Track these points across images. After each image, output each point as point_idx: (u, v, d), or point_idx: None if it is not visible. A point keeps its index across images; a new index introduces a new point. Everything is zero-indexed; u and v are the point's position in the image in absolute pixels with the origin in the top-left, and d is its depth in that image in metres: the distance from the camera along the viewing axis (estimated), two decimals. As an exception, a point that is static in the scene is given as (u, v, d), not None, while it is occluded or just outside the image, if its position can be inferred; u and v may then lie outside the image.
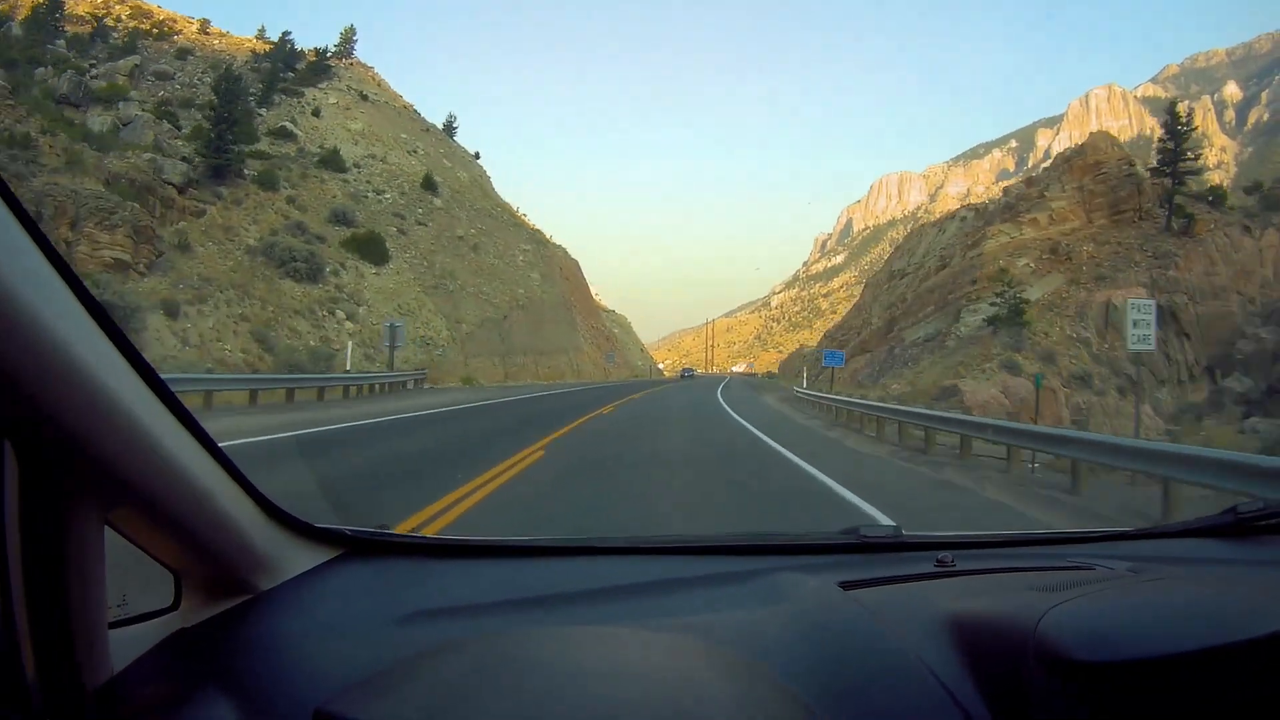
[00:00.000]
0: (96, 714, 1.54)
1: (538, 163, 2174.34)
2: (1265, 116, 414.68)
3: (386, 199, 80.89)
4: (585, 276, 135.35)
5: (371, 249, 69.03)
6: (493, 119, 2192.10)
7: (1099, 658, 1.54)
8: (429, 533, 6.91)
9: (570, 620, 2.13)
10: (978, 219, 76.43)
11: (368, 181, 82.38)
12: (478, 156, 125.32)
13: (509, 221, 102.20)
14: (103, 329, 1.38)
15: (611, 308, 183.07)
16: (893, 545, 2.92)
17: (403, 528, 7.58)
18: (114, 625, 1.77)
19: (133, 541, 1.77)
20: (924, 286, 68.76)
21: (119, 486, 1.55)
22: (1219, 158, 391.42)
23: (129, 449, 1.50)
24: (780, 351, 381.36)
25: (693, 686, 1.62)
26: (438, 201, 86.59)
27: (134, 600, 1.91)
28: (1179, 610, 1.71)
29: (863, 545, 2.86)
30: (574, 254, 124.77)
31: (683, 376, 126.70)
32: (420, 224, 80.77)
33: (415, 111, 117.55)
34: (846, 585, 2.28)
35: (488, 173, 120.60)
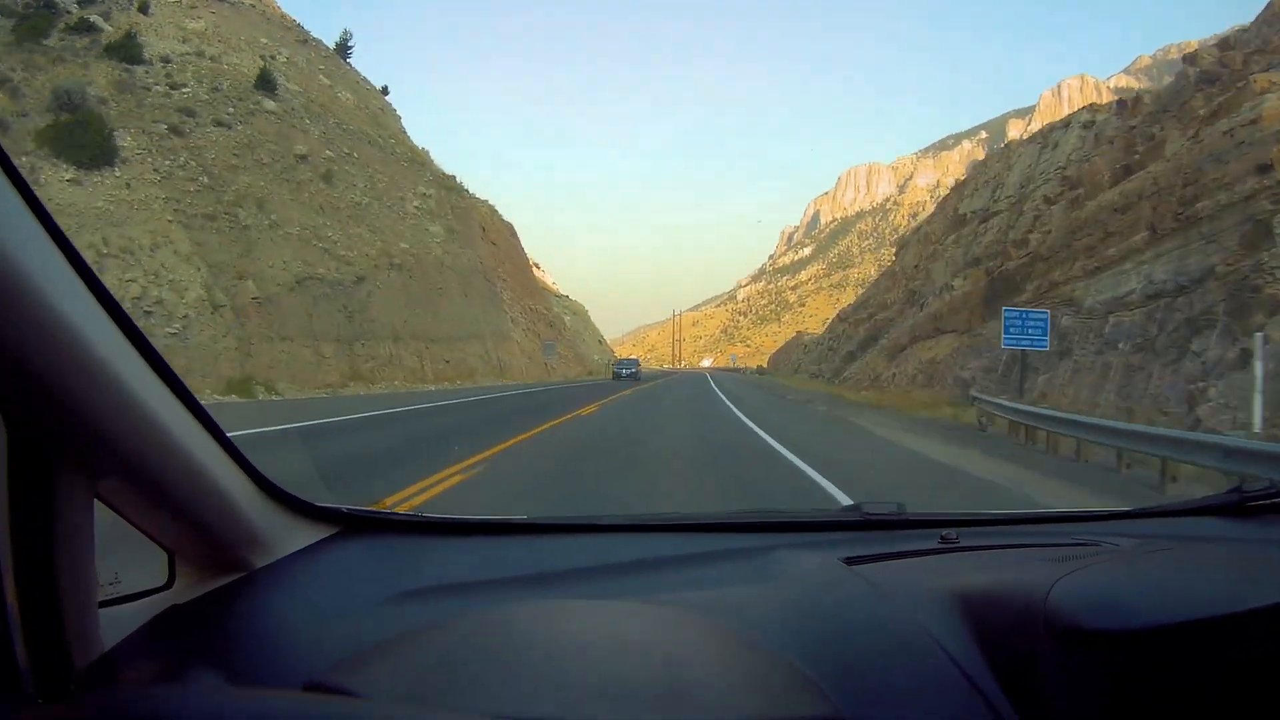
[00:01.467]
0: (86, 692, 1.48)
1: (496, 152, 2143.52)
2: None
3: (182, 94, 47.80)
4: (527, 249, 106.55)
5: (82, 144, 37.34)
6: (449, 111, 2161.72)
7: (1111, 626, 1.50)
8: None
9: (565, 596, 2.08)
10: (1130, 115, 44.16)
11: (167, 76, 49.02)
12: (385, 92, 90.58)
13: (406, 158, 69.15)
14: (89, 287, 1.30)
15: (566, 293, 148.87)
16: (897, 523, 2.84)
17: None
18: (106, 604, 1.72)
19: (125, 517, 1.72)
20: (1082, 214, 36.64)
21: (109, 455, 1.48)
22: None
23: (119, 415, 1.43)
24: (747, 345, 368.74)
25: (689, 660, 1.59)
26: (271, 105, 53.06)
27: (127, 579, 1.85)
28: (1189, 580, 1.69)
29: (866, 523, 2.82)
30: (523, 225, 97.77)
31: (619, 376, 72.11)
32: (221, 125, 47.91)
33: (295, 23, 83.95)
34: (850, 561, 2.24)
35: (397, 114, 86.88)
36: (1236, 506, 2.88)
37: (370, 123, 69.39)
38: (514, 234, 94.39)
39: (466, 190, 79.03)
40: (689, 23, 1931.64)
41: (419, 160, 72.98)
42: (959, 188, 67.29)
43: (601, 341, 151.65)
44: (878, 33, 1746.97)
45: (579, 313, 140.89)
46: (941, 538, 2.52)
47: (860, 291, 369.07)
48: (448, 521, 2.62)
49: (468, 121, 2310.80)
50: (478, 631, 1.65)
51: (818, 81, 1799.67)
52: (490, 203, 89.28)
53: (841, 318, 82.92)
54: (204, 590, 1.90)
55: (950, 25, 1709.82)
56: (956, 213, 59.99)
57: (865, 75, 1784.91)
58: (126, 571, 1.81)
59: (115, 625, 1.67)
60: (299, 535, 2.20)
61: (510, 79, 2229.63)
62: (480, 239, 75.17)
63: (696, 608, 1.86)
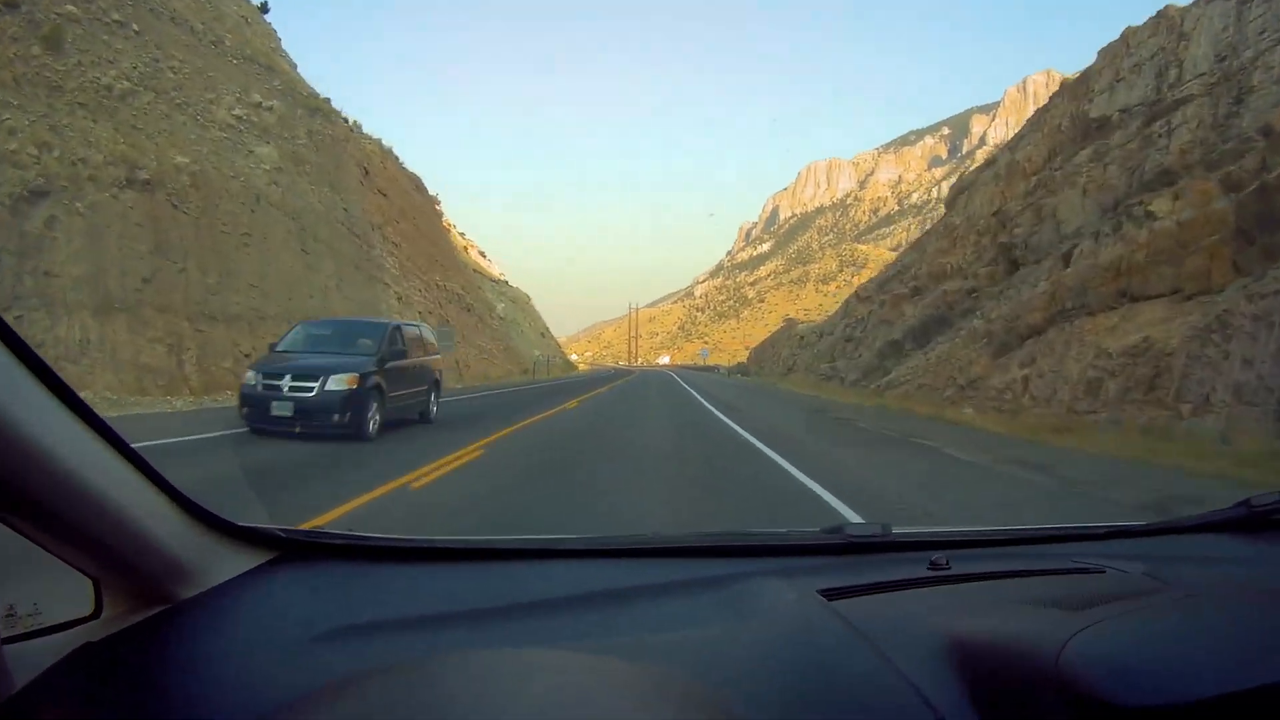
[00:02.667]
0: None
1: (448, 140, 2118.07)
2: None
3: None
4: (471, 235, 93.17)
5: None
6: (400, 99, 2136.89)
7: (1140, 701, 1.37)
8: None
9: (514, 637, 1.92)
10: None
11: None
12: (265, 10, 65.73)
13: (236, 55, 45.09)
14: None
15: (504, 277, 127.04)
16: (882, 545, 2.68)
17: None
18: (22, 637, 1.68)
19: (36, 543, 1.58)
20: None
21: None
22: None
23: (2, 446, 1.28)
24: (705, 341, 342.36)
25: None
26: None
27: (53, 608, 1.79)
28: (1224, 637, 1.57)
29: (849, 545, 2.63)
30: (467, 210, 75.81)
31: (262, 403, 16.76)
32: None
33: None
34: (830, 594, 2.09)
35: (276, 36, 62.57)
36: (1246, 520, 2.74)
37: (196, 11, 45.49)
38: (421, 189, 71.03)
39: (342, 118, 55.27)
40: (643, 16, 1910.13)
41: (263, 63, 48.97)
42: (1072, 88, 44.02)
43: (545, 335, 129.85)
44: (838, 29, 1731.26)
45: (518, 301, 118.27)
46: (931, 563, 2.34)
47: (822, 286, 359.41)
48: (391, 545, 2.36)
49: (400, 94, 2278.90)
50: (408, 688, 1.50)
51: (777, 77, 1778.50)
52: (386, 145, 65.00)
53: (862, 295, 59.64)
54: (129, 623, 1.76)
55: (913, 21, 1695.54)
56: (1085, 119, 36.98)
57: (826, 72, 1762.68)
58: (51, 600, 1.75)
59: (32, 660, 1.57)
60: (230, 562, 2.01)
61: (466, 63, 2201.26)
62: (360, 185, 52.12)
63: (656, 653, 1.74)
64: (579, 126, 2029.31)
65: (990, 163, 50.75)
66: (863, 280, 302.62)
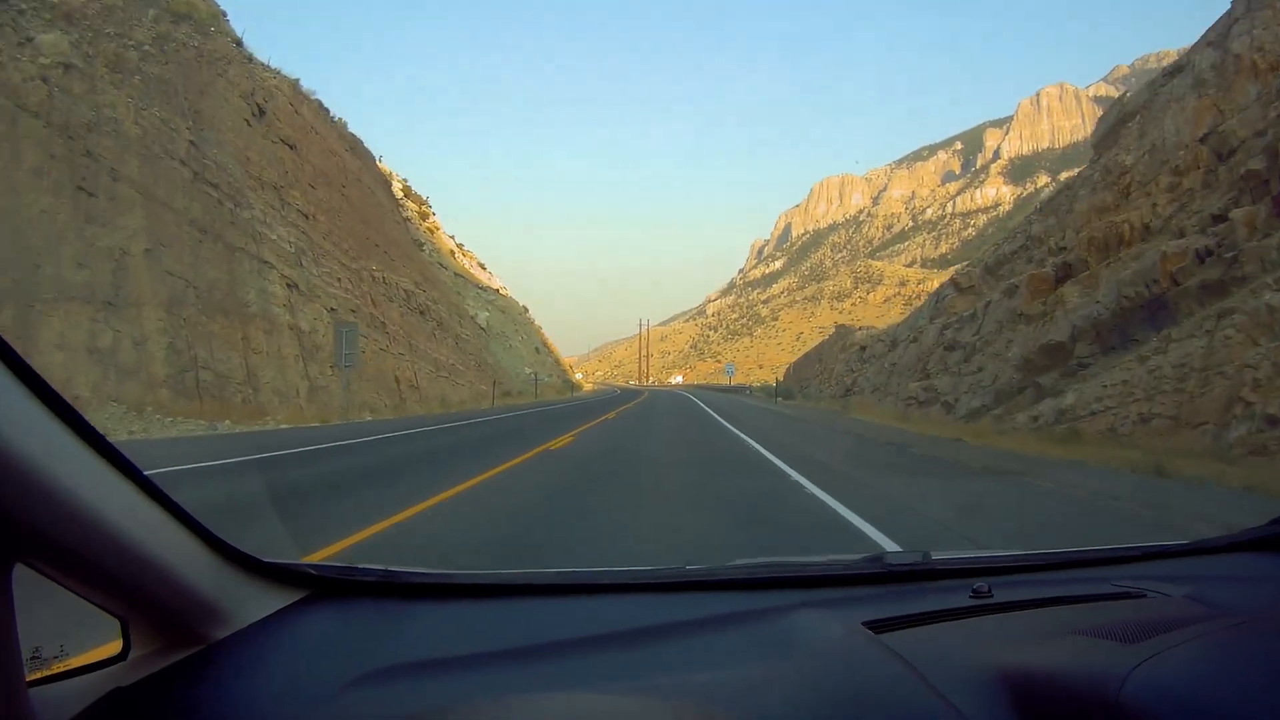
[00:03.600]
0: None
1: (460, 168, 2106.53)
2: None
3: None
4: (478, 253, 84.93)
5: None
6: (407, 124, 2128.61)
7: None
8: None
9: (555, 678, 1.86)
10: None
11: None
12: None
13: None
14: None
15: (499, 286, 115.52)
16: (922, 574, 2.60)
17: None
18: (49, 679, 1.63)
19: (63, 585, 1.51)
20: None
21: (11, 535, 1.29)
22: None
23: (18, 489, 1.22)
24: (718, 360, 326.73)
25: None
26: None
27: (79, 648, 1.75)
28: (1273, 669, 1.50)
29: (889, 575, 2.58)
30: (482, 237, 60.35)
31: None
32: None
33: None
34: (874, 626, 2.04)
35: None
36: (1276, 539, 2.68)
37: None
38: (360, 154, 52.98)
39: (230, 38, 38.59)
40: (651, 33, 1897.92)
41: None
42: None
43: (541, 350, 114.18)
44: (849, 46, 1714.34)
45: (510, 312, 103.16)
46: (974, 591, 2.30)
47: (837, 304, 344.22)
48: (425, 583, 2.32)
49: (416, 117, 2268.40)
50: None
51: (788, 94, 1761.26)
52: (307, 89, 47.17)
53: (963, 284, 41.97)
54: (158, 666, 1.70)
55: (925, 37, 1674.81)
56: None
57: (838, 88, 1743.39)
58: (78, 641, 1.71)
59: (59, 704, 1.52)
60: (262, 601, 1.98)
61: (476, 81, 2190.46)
62: (246, 126, 36.13)
63: (700, 693, 1.68)
64: (589, 149, 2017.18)
65: (1176, 70, 33.06)
66: (877, 297, 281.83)
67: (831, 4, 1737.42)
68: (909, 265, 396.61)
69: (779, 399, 69.33)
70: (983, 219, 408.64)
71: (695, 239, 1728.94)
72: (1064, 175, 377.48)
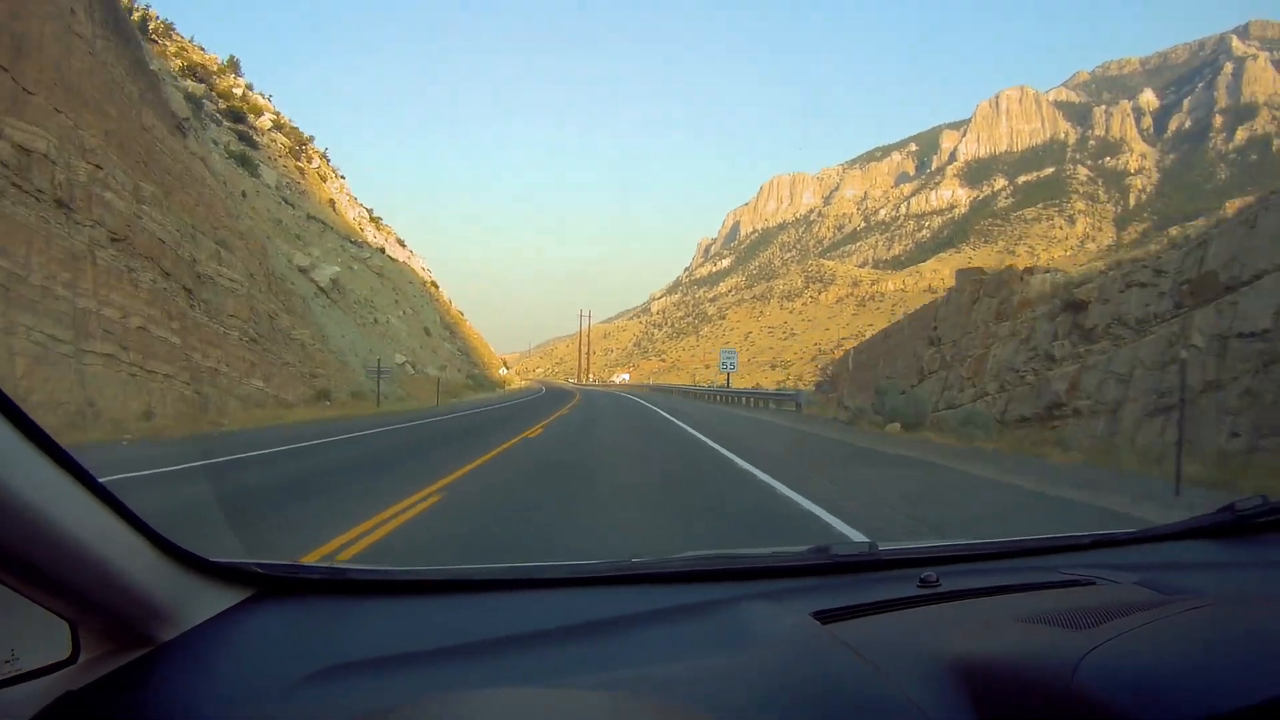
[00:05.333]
0: None
1: (395, 163, 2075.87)
2: (1188, 124, 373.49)
3: None
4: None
5: None
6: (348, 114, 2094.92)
7: (1168, 718, 1.33)
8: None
9: (506, 673, 1.85)
10: None
11: None
12: None
13: None
14: None
15: (381, 244, 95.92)
16: (869, 564, 2.63)
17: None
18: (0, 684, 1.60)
19: (9, 587, 1.50)
20: None
21: None
22: (1139, 164, 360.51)
23: None
24: (662, 359, 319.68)
25: None
26: None
27: (30, 653, 1.68)
28: (1243, 647, 1.52)
29: (836, 565, 2.58)
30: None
31: None
32: None
33: None
34: (822, 616, 2.05)
35: None
36: (1232, 526, 2.77)
37: None
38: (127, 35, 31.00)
39: None
40: (599, 28, 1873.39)
41: None
42: None
43: (441, 331, 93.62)
44: (802, 44, 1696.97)
45: (391, 276, 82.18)
46: (921, 580, 2.30)
47: (787, 303, 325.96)
48: (373, 580, 2.32)
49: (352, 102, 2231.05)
50: None
51: (739, 92, 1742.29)
52: None
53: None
54: (108, 669, 1.68)
55: (880, 38, 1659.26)
56: None
57: (792, 86, 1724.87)
58: (26, 645, 1.64)
59: (10, 709, 1.53)
60: (210, 600, 1.95)
61: (415, 63, 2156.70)
62: None
63: (653, 685, 1.68)
64: (534, 146, 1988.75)
65: None
66: (829, 297, 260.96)
67: (785, 1, 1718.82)
68: (861, 266, 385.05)
69: (840, 418, 33.00)
70: (937, 221, 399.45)
71: (641, 237, 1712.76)
72: (1021, 179, 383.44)
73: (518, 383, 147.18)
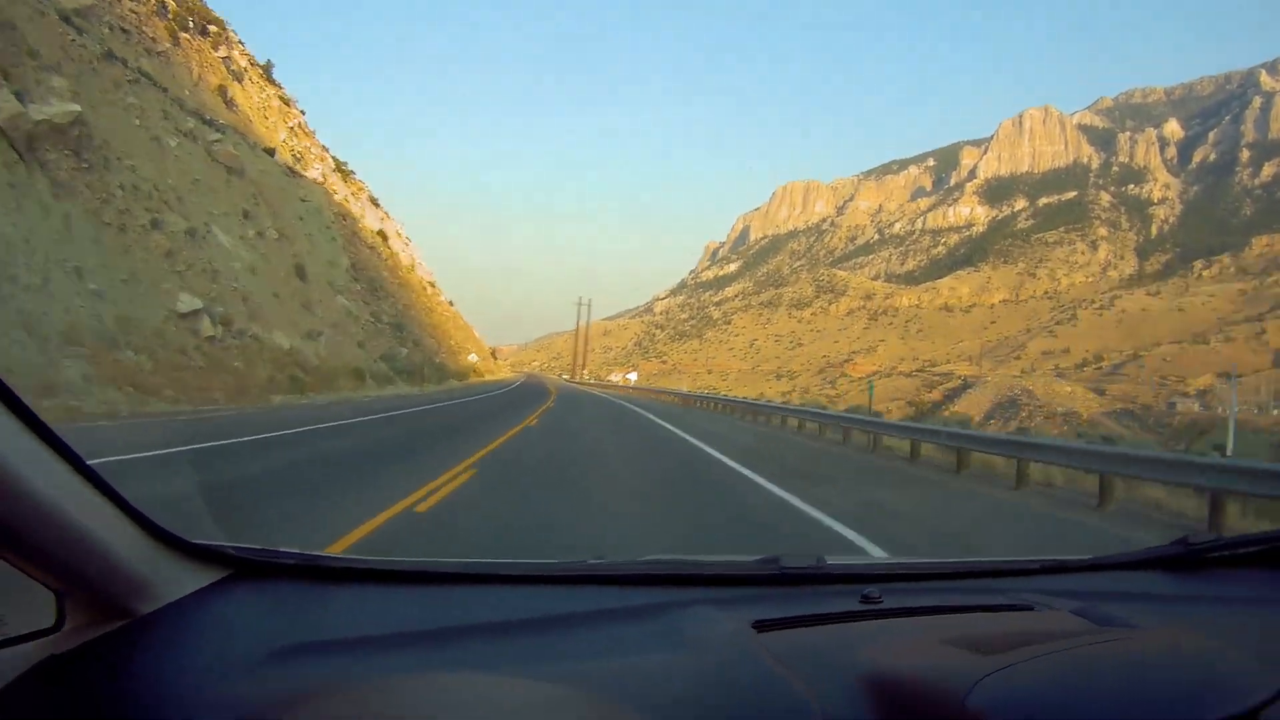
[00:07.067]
0: None
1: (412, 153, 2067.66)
2: (1212, 156, 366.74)
3: None
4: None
5: None
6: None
7: None
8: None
9: (462, 660, 1.95)
10: None
11: None
12: None
13: None
14: None
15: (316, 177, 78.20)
16: (816, 577, 2.66)
17: None
18: None
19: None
20: None
21: None
22: (1162, 193, 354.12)
23: None
24: (663, 361, 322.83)
25: None
26: None
27: (16, 618, 1.78)
28: (1127, 683, 1.62)
29: (784, 577, 2.61)
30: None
31: None
32: None
33: None
34: (762, 625, 2.11)
35: None
36: (1183, 558, 2.84)
37: None
38: None
39: None
40: (619, 26, 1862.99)
41: None
42: None
43: (382, 294, 74.46)
44: (823, 53, 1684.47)
45: (262, 181, 55.15)
46: (863, 597, 2.35)
47: (796, 311, 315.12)
48: (344, 567, 2.40)
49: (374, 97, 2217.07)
50: (352, 709, 1.58)
51: (756, 96, 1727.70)
52: None
53: None
54: (90, 636, 1.78)
55: (902, 50, 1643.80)
56: None
57: (809, 93, 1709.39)
58: (14, 612, 1.74)
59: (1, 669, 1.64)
60: (187, 579, 2.04)
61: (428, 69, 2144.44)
62: None
63: (591, 680, 1.76)
64: (544, 134, 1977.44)
65: None
66: (840, 309, 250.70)
67: (808, 8, 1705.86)
68: (874, 279, 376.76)
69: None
70: (954, 238, 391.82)
71: (648, 237, 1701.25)
72: (1042, 201, 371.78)
73: (500, 373, 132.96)
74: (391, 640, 1.95)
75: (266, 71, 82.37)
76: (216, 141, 48.85)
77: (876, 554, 9.41)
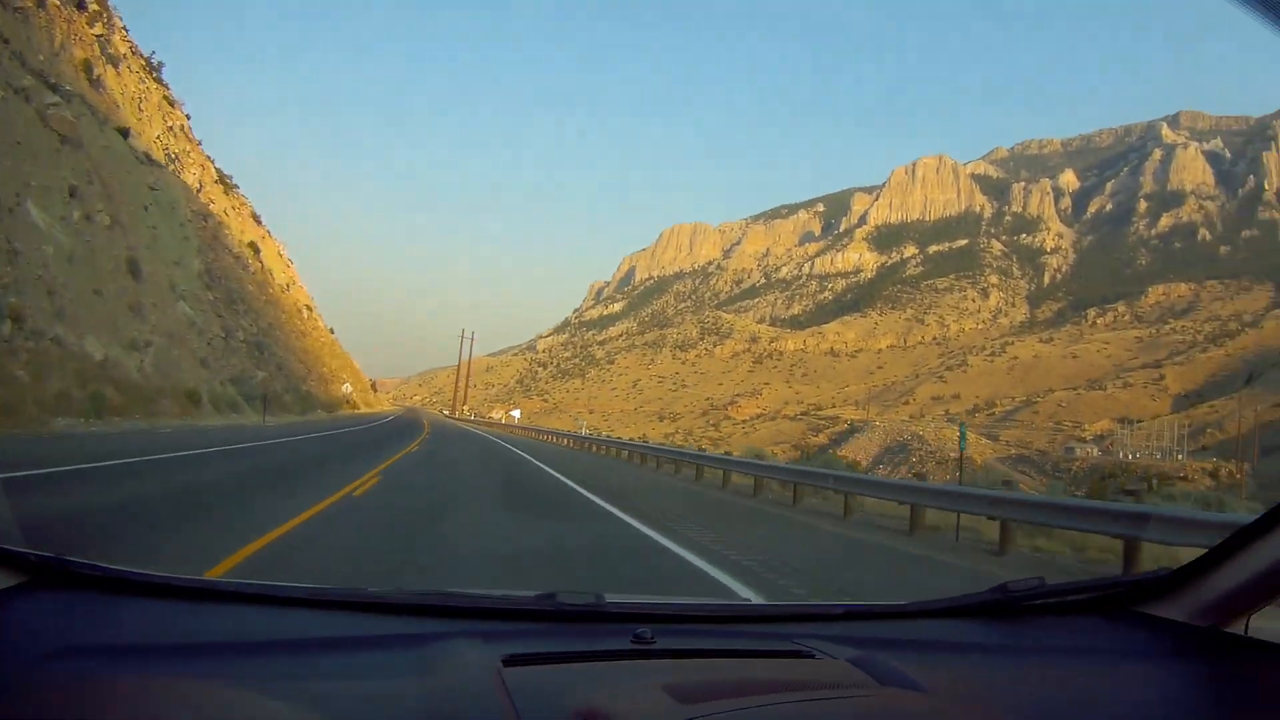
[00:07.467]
0: None
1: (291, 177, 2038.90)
2: (1109, 206, 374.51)
3: None
4: None
5: None
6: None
7: None
8: None
9: (212, 671, 1.97)
10: None
11: None
12: None
13: None
14: None
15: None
16: (593, 615, 2.58)
17: None
18: None
19: None
20: None
21: None
22: (1056, 242, 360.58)
23: None
24: (545, 400, 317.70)
25: None
26: None
27: None
28: None
29: (559, 613, 2.55)
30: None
31: None
32: None
33: None
34: (511, 660, 2.09)
35: None
36: (1002, 606, 2.69)
37: None
38: None
39: None
40: (510, 64, 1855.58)
41: None
42: None
43: (238, 304, 65.77)
44: (713, 96, 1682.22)
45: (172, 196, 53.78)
46: (635, 637, 2.29)
47: (680, 353, 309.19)
48: (132, 578, 2.35)
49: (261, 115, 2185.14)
50: (98, 702, 1.68)
51: (640, 137, 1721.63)
52: None
53: None
54: None
55: (791, 96, 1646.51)
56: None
57: (697, 137, 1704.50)
58: None
59: None
60: None
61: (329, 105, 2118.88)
62: None
63: (333, 702, 1.81)
64: (424, 166, 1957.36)
65: None
66: (725, 351, 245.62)
67: (703, 53, 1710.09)
68: (759, 322, 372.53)
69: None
70: (842, 283, 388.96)
71: (532, 275, 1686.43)
72: (933, 248, 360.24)
73: (380, 407, 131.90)
74: (160, 650, 2.02)
75: (152, 66, 78.52)
76: (54, 105, 42.14)
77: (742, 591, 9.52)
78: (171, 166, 68.76)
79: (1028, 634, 2.62)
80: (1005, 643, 2.57)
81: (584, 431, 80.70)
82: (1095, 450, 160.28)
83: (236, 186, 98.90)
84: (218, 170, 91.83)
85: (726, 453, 38.55)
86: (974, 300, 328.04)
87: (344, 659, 2.10)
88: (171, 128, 77.11)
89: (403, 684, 1.92)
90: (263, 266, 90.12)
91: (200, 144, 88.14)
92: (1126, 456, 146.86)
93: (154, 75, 78.37)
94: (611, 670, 2.10)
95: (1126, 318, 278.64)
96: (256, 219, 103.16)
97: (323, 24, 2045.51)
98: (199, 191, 77.04)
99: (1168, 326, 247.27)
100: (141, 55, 77.26)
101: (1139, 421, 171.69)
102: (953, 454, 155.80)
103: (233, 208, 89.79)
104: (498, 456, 36.01)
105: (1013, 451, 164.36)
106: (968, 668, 2.35)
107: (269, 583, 2.56)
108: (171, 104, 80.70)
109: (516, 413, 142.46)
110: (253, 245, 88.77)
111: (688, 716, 1.59)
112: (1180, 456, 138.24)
